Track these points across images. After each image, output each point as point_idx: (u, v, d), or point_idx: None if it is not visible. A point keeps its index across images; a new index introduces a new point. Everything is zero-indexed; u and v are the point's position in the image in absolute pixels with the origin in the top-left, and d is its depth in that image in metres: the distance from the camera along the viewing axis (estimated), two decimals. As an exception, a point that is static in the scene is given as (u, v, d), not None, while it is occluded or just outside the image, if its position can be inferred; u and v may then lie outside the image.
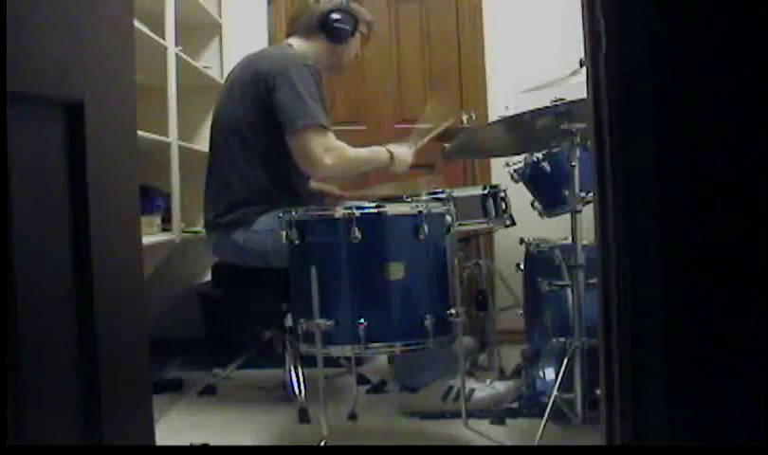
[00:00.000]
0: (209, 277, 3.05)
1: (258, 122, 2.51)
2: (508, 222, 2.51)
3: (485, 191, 2.44)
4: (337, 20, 2.67)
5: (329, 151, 2.47)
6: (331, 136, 2.50)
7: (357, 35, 2.75)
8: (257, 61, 2.61)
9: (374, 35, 2.89)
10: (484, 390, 2.42)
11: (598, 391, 1.12)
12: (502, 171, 2.66)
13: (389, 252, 2.01)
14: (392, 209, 2.05)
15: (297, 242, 2.05)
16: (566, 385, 2.08)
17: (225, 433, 2.35)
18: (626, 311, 1.00)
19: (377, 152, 2.67)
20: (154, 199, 3.01)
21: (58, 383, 0.93)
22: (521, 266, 2.59)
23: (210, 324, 3.34)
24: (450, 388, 2.41)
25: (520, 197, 2.53)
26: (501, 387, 2.46)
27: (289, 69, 2.49)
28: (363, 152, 2.63)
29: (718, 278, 0.97)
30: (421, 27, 3.84)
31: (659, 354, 0.99)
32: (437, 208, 2.10)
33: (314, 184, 2.84)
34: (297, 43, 2.71)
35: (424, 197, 2.33)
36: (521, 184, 2.49)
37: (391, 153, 2.65)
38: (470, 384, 2.41)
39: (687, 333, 0.98)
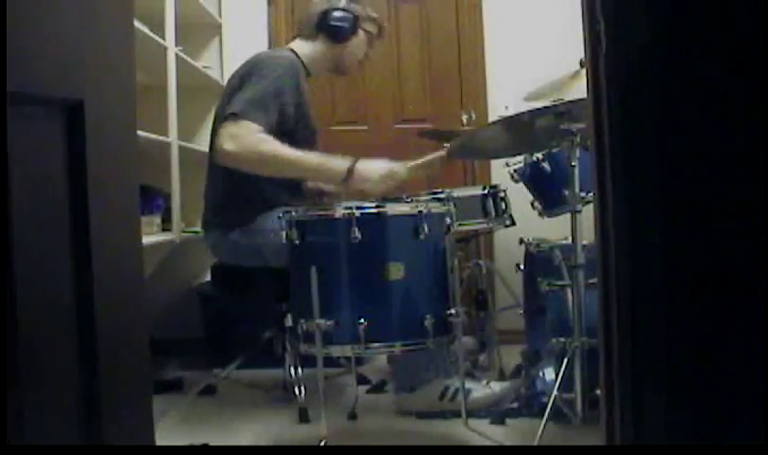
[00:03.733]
0: (209, 277, 3.05)
1: None
2: (508, 222, 2.51)
3: (485, 191, 2.43)
4: (334, 18, 2.66)
5: (234, 138, 2.31)
6: (249, 126, 2.32)
7: (361, 34, 2.72)
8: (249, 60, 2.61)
9: (384, 34, 2.82)
10: (480, 390, 2.42)
11: (598, 391, 1.12)
12: (502, 171, 2.66)
13: (389, 252, 2.01)
14: (391, 209, 2.05)
15: (297, 242, 2.05)
16: (566, 385, 2.08)
17: (225, 433, 2.35)
18: (626, 311, 1.00)
19: (326, 162, 2.43)
20: (154, 199, 3.00)
21: (58, 383, 0.93)
22: (521, 266, 2.59)
23: (209, 324, 3.34)
24: (447, 388, 2.41)
25: (520, 197, 2.52)
26: (497, 387, 2.46)
27: (259, 63, 2.49)
28: (294, 154, 2.37)
29: (718, 278, 0.97)
30: (421, 27, 3.83)
31: (659, 355, 0.99)
32: (437, 208, 2.10)
33: (311, 183, 2.81)
34: (299, 45, 2.71)
35: (424, 197, 2.33)
36: (521, 184, 2.49)
37: (351, 169, 2.39)
38: (467, 384, 2.41)
39: (687, 333, 0.98)
